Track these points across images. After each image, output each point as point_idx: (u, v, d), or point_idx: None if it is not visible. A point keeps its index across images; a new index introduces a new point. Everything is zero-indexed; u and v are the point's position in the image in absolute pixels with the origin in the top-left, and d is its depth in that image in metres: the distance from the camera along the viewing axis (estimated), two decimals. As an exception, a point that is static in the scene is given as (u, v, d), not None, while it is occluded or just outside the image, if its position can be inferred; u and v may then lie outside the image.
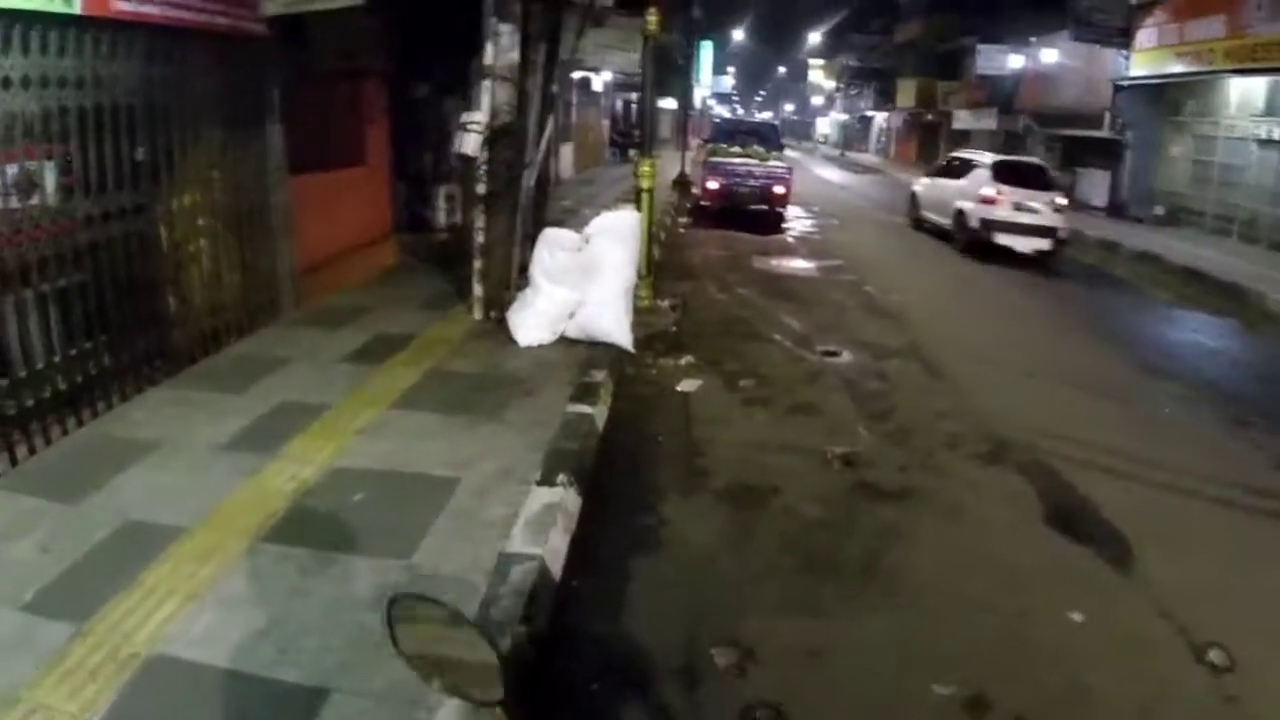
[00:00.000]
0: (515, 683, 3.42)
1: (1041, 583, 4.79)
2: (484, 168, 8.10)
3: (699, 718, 3.63)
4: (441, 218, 12.56)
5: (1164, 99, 20.81)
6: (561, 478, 5.10)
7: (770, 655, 4.03)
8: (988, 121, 33.28)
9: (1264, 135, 17.26)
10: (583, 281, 7.72)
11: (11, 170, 4.88)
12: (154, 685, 3.31)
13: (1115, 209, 21.73)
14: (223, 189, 6.84)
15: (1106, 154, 22.74)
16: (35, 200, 5.03)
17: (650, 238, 9.53)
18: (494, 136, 8.02)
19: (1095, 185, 23.56)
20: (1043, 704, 3.77)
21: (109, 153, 5.47)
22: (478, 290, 8.30)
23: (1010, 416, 7.23)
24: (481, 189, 8.18)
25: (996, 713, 3.71)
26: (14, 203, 4.88)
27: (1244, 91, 18.14)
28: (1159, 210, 20.42)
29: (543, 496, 4.89)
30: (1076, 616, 4.45)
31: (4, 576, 3.87)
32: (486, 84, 7.95)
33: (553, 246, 7.83)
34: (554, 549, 4.47)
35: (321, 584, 3.95)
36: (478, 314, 8.31)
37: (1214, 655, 4.16)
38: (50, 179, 5.16)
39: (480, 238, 8.19)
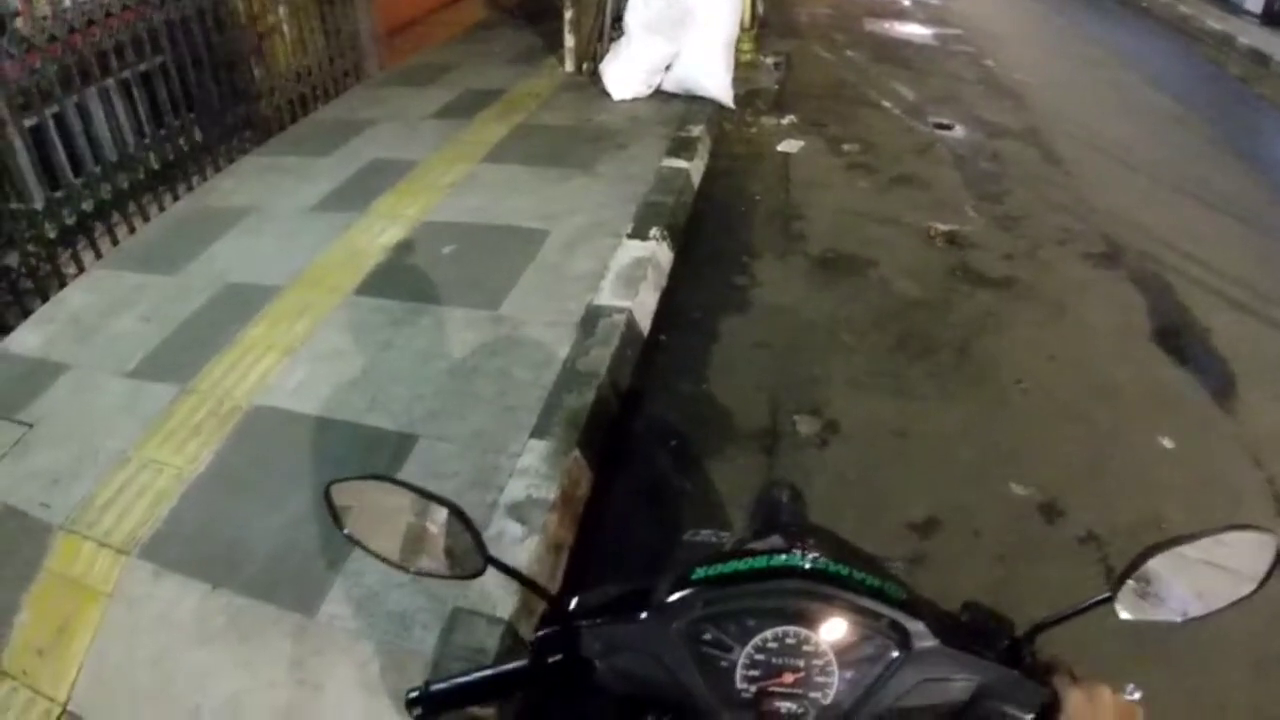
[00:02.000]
0: (597, 439, 3.45)
1: (1136, 400, 4.50)
2: (573, -92, 7.60)
3: (776, 478, 3.58)
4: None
5: None
6: (654, 232, 4.96)
7: (853, 429, 3.95)
8: None
9: None
10: (681, 31, 7.31)
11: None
12: (254, 434, 3.42)
13: (1271, 17, 19.50)
14: (297, -48, 6.60)
15: None
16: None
17: (755, -14, 9.00)
18: None
19: None
20: (1115, 525, 3.60)
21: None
22: (569, 41, 7.96)
23: (1131, 220, 6.68)
24: (571, -68, 7.71)
25: (1069, 522, 3.57)
26: None
27: None
28: None
29: (634, 250, 4.78)
30: (1166, 443, 4.18)
31: (109, 348, 3.98)
32: None
33: (649, -7, 7.41)
34: (643, 303, 4.41)
35: (411, 334, 3.98)
36: (569, 66, 8.00)
37: None
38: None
39: (570, -15, 7.80)
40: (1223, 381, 4.76)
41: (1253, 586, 1.20)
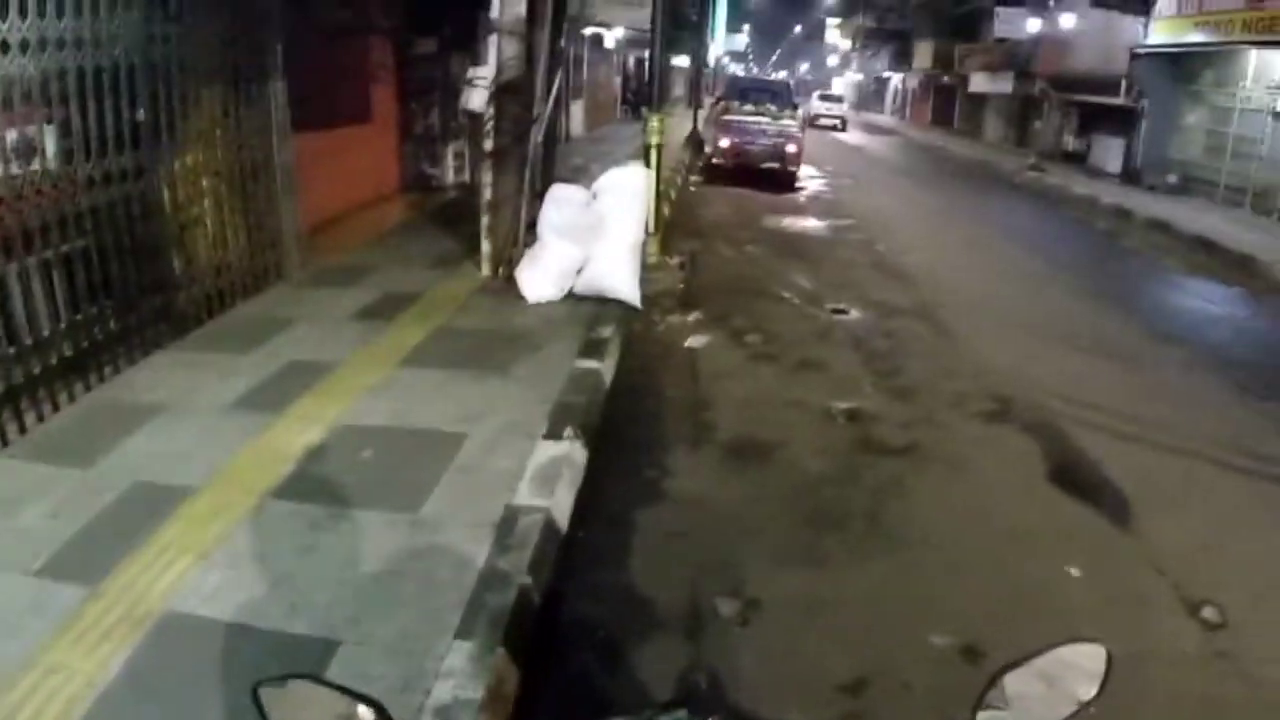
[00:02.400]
0: (521, 637, 3.47)
1: (1041, 538, 4.81)
2: (490, 123, 8.03)
3: (703, 665, 3.64)
4: (450, 175, 12.50)
5: (1181, 68, 20.53)
6: (568, 431, 5.11)
7: (774, 604, 4.06)
8: (1003, 85, 33.06)
9: (1279, 108, 17.04)
10: (590, 238, 7.70)
11: (11, 135, 4.83)
12: (169, 641, 3.34)
13: (1129, 176, 21.56)
14: (225, 148, 6.79)
15: (1122, 121, 22.54)
16: (36, 165, 4.98)
17: (659, 195, 9.48)
18: (501, 92, 7.96)
19: (1110, 152, 23.45)
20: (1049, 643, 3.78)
21: (109, 114, 5.40)
22: (485, 247, 8.27)
23: (1017, 376, 7.22)
24: (488, 145, 8.10)
25: (992, 662, 3.67)
26: (14, 168, 4.82)
27: (1262, 63, 17.88)
28: (1172, 179, 20.14)
29: (549, 450, 4.91)
30: (1074, 571, 4.47)
31: (16, 543, 3.88)
32: (493, 39, 7.87)
33: (560, 202, 7.80)
34: (560, 501, 4.49)
35: (331, 539, 3.98)
36: (485, 271, 8.28)
37: (1207, 612, 4.18)
38: (51, 143, 5.12)
39: (487, 194, 8.14)
40: (1120, 507, 5.18)
41: (1094, 692, 1.33)
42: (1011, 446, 5.97)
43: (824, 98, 44.62)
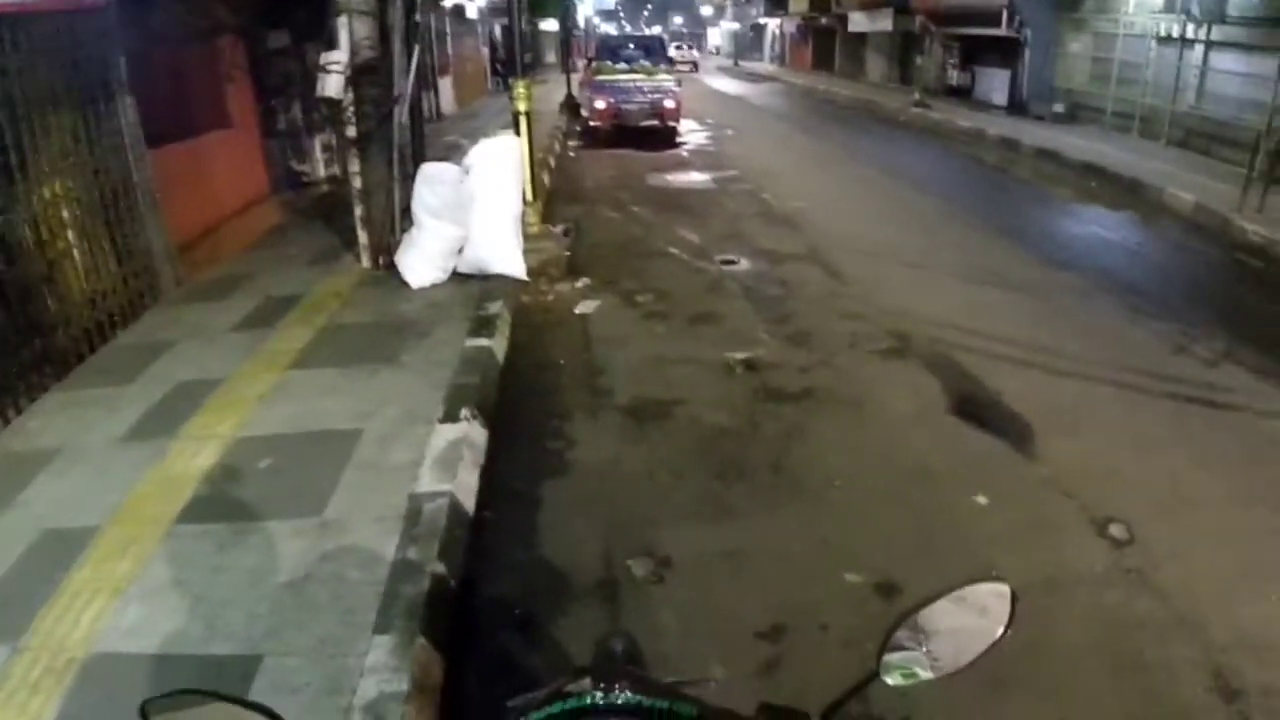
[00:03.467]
0: (440, 623, 3.57)
1: (946, 471, 4.99)
2: (351, 109, 7.93)
3: (621, 625, 3.76)
4: (320, 169, 12.29)
5: None
6: (465, 413, 5.19)
7: (685, 559, 4.21)
8: (883, 23, 32.88)
9: (1162, 32, 17.02)
10: (467, 214, 7.71)
11: None
12: (96, 683, 3.37)
13: (1015, 107, 21.85)
14: (82, 175, 6.61)
15: (1005, 52, 22.75)
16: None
17: (536, 162, 9.50)
18: (357, 75, 7.84)
19: (995, 84, 23.64)
20: (950, 585, 3.93)
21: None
22: (363, 238, 8.24)
23: (911, 312, 7.42)
24: (351, 131, 8.02)
25: (907, 596, 3.85)
26: None
27: None
28: (1059, 108, 20.40)
29: (447, 434, 4.99)
30: (981, 500, 4.66)
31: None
32: (343, 20, 7.73)
33: (432, 182, 7.76)
34: (464, 484, 4.58)
35: (240, 555, 4.02)
36: (366, 262, 8.27)
37: (1115, 530, 4.38)
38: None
39: (357, 182, 8.09)
40: (1022, 435, 5.36)
41: (1000, 631, 1.36)
42: (911, 383, 6.15)
43: (676, 47, 45.20)
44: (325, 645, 3.42)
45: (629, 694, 1.27)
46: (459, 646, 3.64)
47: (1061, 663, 3.48)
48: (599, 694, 1.27)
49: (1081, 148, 16.23)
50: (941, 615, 1.37)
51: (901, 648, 1.36)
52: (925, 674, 1.36)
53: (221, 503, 4.47)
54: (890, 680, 1.36)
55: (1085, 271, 8.95)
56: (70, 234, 6.46)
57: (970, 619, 1.37)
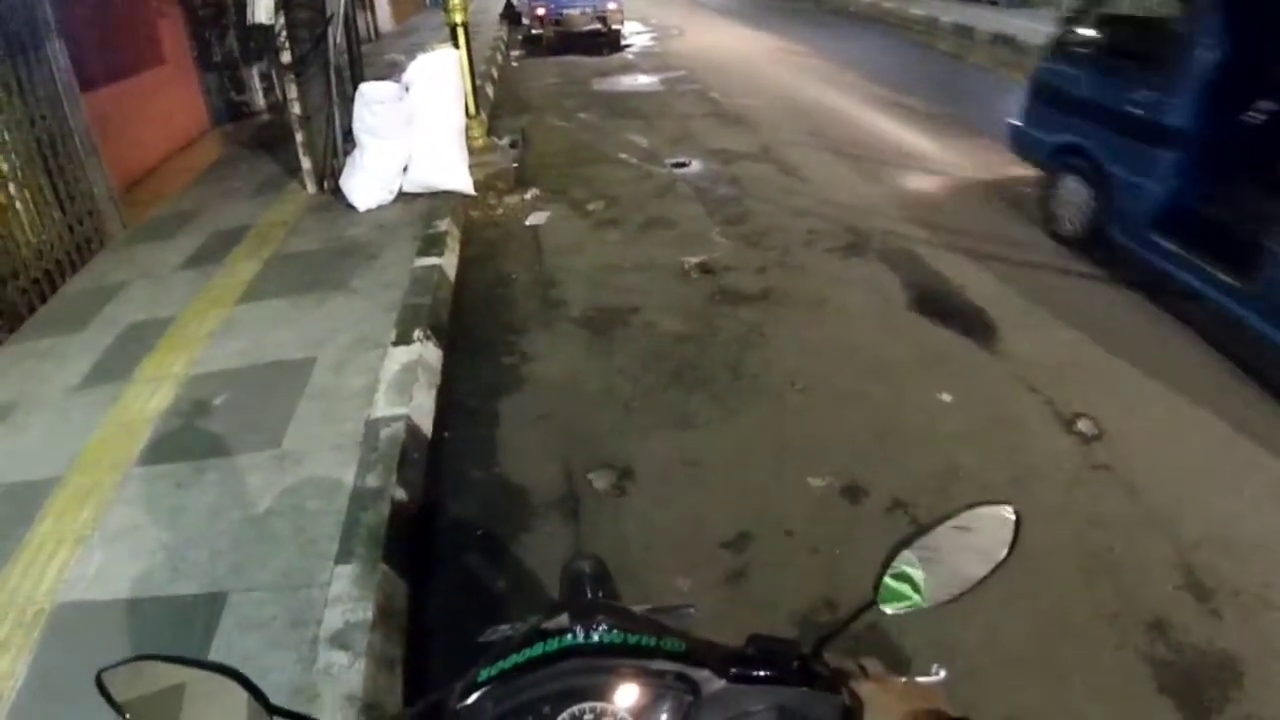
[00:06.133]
0: (402, 549, 3.62)
1: (909, 368, 5.00)
2: (283, 34, 7.74)
3: (585, 544, 3.81)
4: (260, 99, 12.05)
5: None
6: (417, 334, 5.20)
7: (647, 470, 4.25)
8: None
9: None
10: (409, 132, 7.62)
11: None
12: (65, 633, 3.42)
13: None
14: (18, 126, 6.48)
15: None
16: None
17: (475, 74, 9.33)
18: (287, -2, 7.64)
19: None
20: (917, 486, 3.98)
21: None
22: (305, 163, 8.12)
23: (869, 208, 7.40)
24: (285, 57, 7.84)
25: (873, 498, 3.94)
26: None
27: None
28: None
29: (400, 356, 5.00)
30: (945, 397, 4.68)
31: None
32: (269, -62, 7.51)
33: (371, 102, 7.60)
34: (420, 405, 4.61)
35: (199, 493, 4.05)
36: (310, 188, 8.17)
37: (1082, 425, 4.41)
38: None
39: (296, 108, 7.92)
40: (984, 329, 5.39)
41: (1002, 555, 1.32)
42: (870, 279, 6.14)
43: None
44: (288, 578, 3.46)
45: (613, 632, 1.24)
46: (423, 571, 3.69)
47: (1031, 562, 3.48)
48: (579, 632, 1.24)
49: (1039, 33, 15.14)
50: (941, 540, 1.33)
51: (900, 574, 1.33)
52: (924, 601, 1.34)
53: (179, 442, 4.49)
54: (888, 609, 1.33)
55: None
56: (10, 186, 6.36)
57: (971, 543, 1.35)
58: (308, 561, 3.53)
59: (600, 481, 4.20)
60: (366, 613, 3.23)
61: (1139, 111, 5.90)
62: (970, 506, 1.32)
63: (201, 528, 3.83)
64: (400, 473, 4.02)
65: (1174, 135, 5.67)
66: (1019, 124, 7.42)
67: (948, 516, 1.30)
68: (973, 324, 5.46)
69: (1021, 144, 7.46)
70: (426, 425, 4.57)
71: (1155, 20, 6.23)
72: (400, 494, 3.91)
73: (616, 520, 3.95)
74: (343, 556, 3.51)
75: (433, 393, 4.85)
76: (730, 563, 3.63)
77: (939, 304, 5.72)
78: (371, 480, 3.96)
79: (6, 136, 6.33)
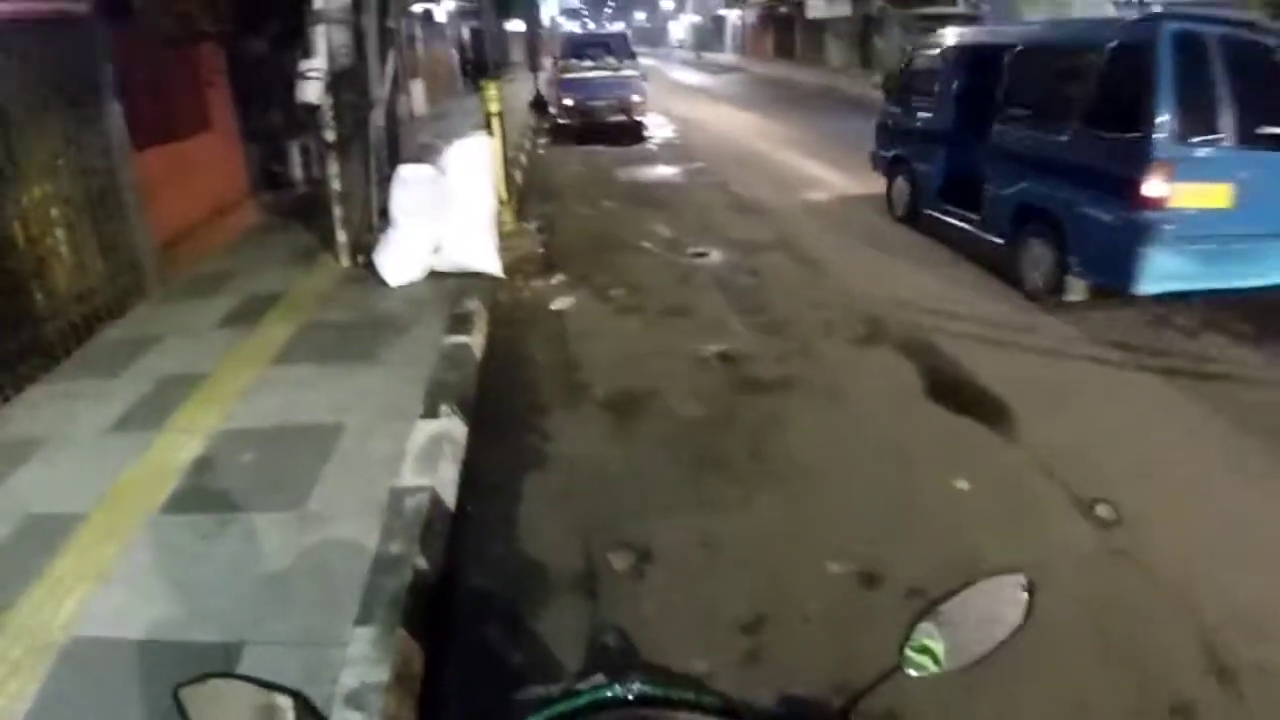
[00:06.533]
0: (421, 615, 3.67)
1: (925, 455, 5.03)
2: (329, 113, 8.08)
3: (603, 621, 3.83)
4: (298, 172, 12.37)
5: None
6: (444, 408, 5.30)
7: (666, 553, 4.26)
8: (841, 8, 32.82)
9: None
10: (443, 214, 7.82)
11: None
12: (77, 666, 3.45)
13: None
14: (71, 176, 6.73)
15: None
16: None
17: (507, 161, 9.62)
18: (335, 80, 7.99)
19: None
20: (935, 572, 3.92)
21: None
22: (341, 237, 8.36)
23: (884, 297, 7.49)
24: (330, 135, 8.16)
25: (890, 585, 3.93)
26: None
27: None
28: None
29: (428, 429, 5.09)
30: (962, 484, 4.69)
31: (-90, 587, 3.94)
32: (320, 29, 7.88)
33: (408, 183, 7.89)
34: (444, 478, 4.69)
35: (222, 545, 4.12)
36: (344, 261, 8.38)
37: (1101, 510, 4.40)
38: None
39: (336, 184, 8.21)
40: (1000, 415, 5.39)
41: (1017, 622, 1.41)
42: (886, 368, 6.22)
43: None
44: (307, 635, 3.50)
45: (651, 685, 1.29)
46: (440, 639, 3.71)
47: (1053, 648, 3.41)
48: (620, 685, 1.29)
49: None
50: (962, 607, 1.42)
51: (923, 640, 1.40)
52: (946, 665, 1.40)
53: (205, 493, 4.57)
54: (912, 672, 1.40)
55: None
56: (58, 232, 6.58)
57: (989, 610, 1.43)
58: (327, 620, 3.57)
59: (619, 561, 4.21)
60: (383, 675, 3.26)
61: (922, 127, 9.98)
62: (985, 578, 1.43)
63: (223, 578, 3.88)
64: (422, 541, 4.08)
65: (939, 138, 9.60)
66: (873, 148, 11.49)
67: (965, 586, 1.41)
68: (989, 410, 5.50)
69: (874, 161, 11.45)
70: (450, 497, 4.63)
71: (926, 71, 10.19)
72: (421, 562, 3.96)
73: (635, 600, 3.96)
74: (362, 618, 3.55)
75: (457, 466, 4.93)
76: (747, 645, 3.63)
77: (954, 391, 5.79)
78: (394, 547, 4.01)
79: (59, 185, 6.56)
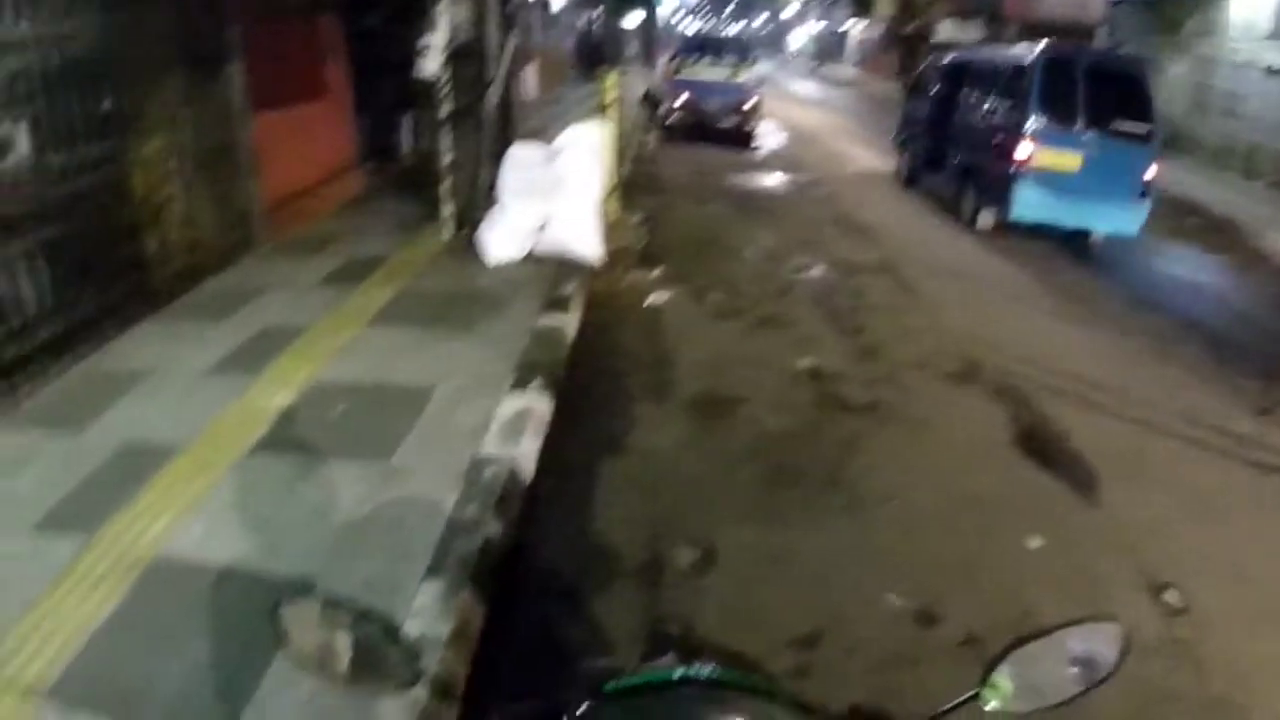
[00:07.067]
0: (487, 578, 3.70)
1: (1002, 505, 4.89)
2: (446, 88, 8.18)
3: (661, 612, 3.85)
4: (407, 144, 12.59)
5: (1162, 15, 19.54)
6: (533, 385, 5.33)
7: (730, 557, 4.25)
8: (973, 32, 32.00)
9: (1273, 65, 15.90)
10: (550, 197, 7.85)
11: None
12: (156, 585, 3.57)
13: None
14: (189, 131, 6.91)
15: None
16: (10, 161, 5.16)
17: (617, 152, 9.63)
18: (454, 56, 8.10)
19: None
20: (991, 625, 3.84)
21: (76, 107, 5.55)
22: (446, 210, 8.46)
23: (984, 338, 7.31)
24: (444, 110, 8.26)
25: (946, 627, 3.86)
26: None
27: (1249, 11, 16.82)
28: None
29: (515, 403, 5.13)
30: (1034, 542, 4.54)
31: (13, 503, 4.10)
32: (443, 4, 7.98)
33: (519, 163, 7.93)
34: (525, 452, 4.71)
35: (306, 489, 4.21)
36: (447, 234, 8.47)
37: (1169, 596, 4.20)
38: (23, 139, 5.28)
39: (446, 158, 8.31)
40: (1084, 479, 5.19)
41: (1107, 671, 1.36)
42: (976, 410, 6.06)
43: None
44: (376, 581, 3.56)
45: (730, 671, 1.27)
46: (501, 605, 3.74)
47: None
48: (699, 666, 1.27)
49: (1175, 182, 14.74)
50: (1051, 648, 1.36)
51: (1006, 675, 1.35)
52: (1025, 704, 1.35)
53: (294, 440, 4.67)
54: (988, 706, 1.35)
55: (1170, 315, 8.72)
56: (175, 183, 6.77)
57: (1078, 656, 1.38)
58: (397, 571, 3.63)
59: (684, 558, 4.21)
60: (444, 629, 3.30)
61: (916, 114, 14.06)
62: (1082, 621, 1.38)
63: (303, 520, 3.98)
64: (497, 510, 4.11)
65: (925, 126, 13.47)
66: (894, 135, 15.52)
67: (1060, 627, 1.35)
68: (1074, 471, 5.32)
69: (895, 143, 15.38)
70: (528, 471, 4.65)
71: (927, 79, 14.14)
72: (493, 529, 3.99)
73: (695, 597, 3.95)
74: (431, 574, 3.60)
75: (538, 442, 4.94)
76: (797, 659, 3.60)
77: (1041, 445, 5.61)
78: (470, 511, 4.06)
79: (178, 139, 6.75)
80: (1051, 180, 10.24)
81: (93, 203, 5.76)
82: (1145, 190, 10.48)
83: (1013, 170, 10.34)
